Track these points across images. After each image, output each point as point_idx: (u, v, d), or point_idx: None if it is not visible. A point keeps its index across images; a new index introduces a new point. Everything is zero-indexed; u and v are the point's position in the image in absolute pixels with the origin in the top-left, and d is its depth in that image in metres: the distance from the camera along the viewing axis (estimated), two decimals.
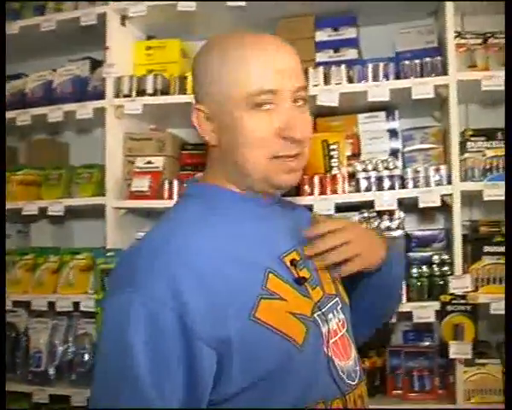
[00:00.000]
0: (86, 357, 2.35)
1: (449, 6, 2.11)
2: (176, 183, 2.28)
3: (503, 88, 2.03)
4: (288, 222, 1.21)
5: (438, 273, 2.12)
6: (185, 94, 2.27)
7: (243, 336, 0.99)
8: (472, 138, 2.13)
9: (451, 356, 2.05)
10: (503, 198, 1.97)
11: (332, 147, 2.24)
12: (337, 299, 1.21)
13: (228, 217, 1.12)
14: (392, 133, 2.30)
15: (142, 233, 2.28)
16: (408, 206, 2.25)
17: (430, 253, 2.18)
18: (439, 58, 2.13)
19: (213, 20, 2.36)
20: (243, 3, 2.23)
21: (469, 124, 2.36)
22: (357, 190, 2.15)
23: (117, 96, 2.33)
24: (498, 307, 2.02)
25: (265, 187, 1.13)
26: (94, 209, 2.44)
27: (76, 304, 2.33)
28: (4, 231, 2.04)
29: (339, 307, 1.21)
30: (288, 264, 1.12)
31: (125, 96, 2.32)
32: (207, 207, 1.12)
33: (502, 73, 2.04)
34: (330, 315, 1.16)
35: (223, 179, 1.15)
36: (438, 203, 2.08)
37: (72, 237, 2.77)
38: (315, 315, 1.11)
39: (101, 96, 2.36)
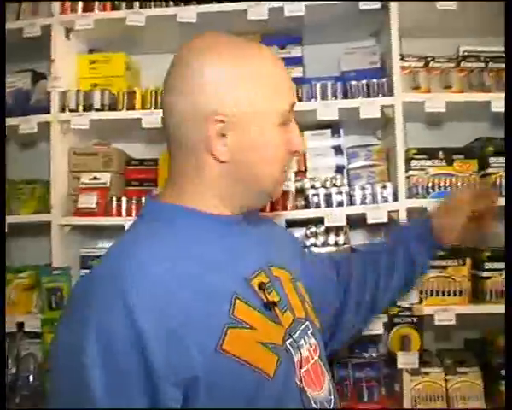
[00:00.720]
0: (31, 379, 2.27)
1: (394, 28, 2.19)
2: (124, 200, 2.25)
3: (444, 110, 2.14)
4: (254, 239, 1.16)
5: None
6: (134, 109, 2.25)
7: (210, 371, 0.93)
8: (415, 157, 2.22)
9: (399, 366, 2.13)
10: None
11: None
12: (307, 323, 1.17)
13: (190, 238, 1.04)
14: (338, 150, 2.36)
15: (87, 250, 2.28)
16: (354, 220, 2.31)
17: None
18: (384, 79, 2.21)
19: (162, 35, 2.35)
20: (194, 20, 2.23)
21: (409, 143, 2.46)
22: (307, 206, 2.19)
23: (63, 110, 2.27)
24: (442, 318, 2.12)
25: (264, 201, 1.16)
26: (32, 226, 2.37)
27: (20, 324, 2.25)
28: (4, 233, 1.96)
29: (309, 332, 1.16)
30: (256, 288, 1.05)
31: (71, 110, 2.26)
32: (168, 227, 1.05)
33: (443, 96, 2.15)
34: (301, 341, 1.11)
35: (195, 197, 1.08)
36: (385, 219, 2.16)
37: (10, 255, 2.67)
38: (286, 343, 1.06)
39: (44, 110, 2.29)
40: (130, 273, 0.93)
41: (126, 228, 1.17)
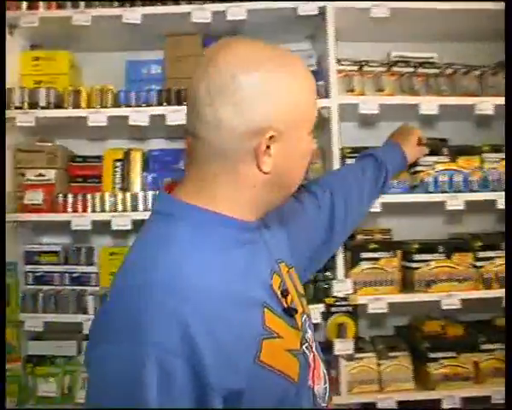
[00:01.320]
0: None
1: (330, 33, 2.31)
2: (70, 196, 2.29)
3: (377, 111, 2.28)
4: (267, 239, 1.19)
5: (322, 278, 2.32)
6: (79, 108, 2.29)
7: (250, 383, 0.96)
8: (349, 155, 2.35)
9: (336, 353, 2.27)
10: (377, 210, 2.22)
11: None
12: (305, 316, 1.20)
13: (228, 247, 1.05)
14: None
15: (31, 246, 2.31)
16: None
17: None
18: (321, 82, 2.33)
19: (107, 34, 2.40)
20: (138, 21, 2.28)
21: (344, 142, 2.60)
22: None
23: (8, 107, 2.29)
24: (375, 307, 2.27)
25: (287, 200, 1.17)
26: None
27: None
28: (4, 232, 1.95)
29: (307, 325, 1.19)
30: (279, 294, 1.08)
31: (17, 107, 2.28)
32: (200, 234, 1.03)
33: (376, 98, 2.30)
34: (308, 339, 1.16)
35: (227, 203, 1.07)
36: None
37: None
38: (303, 347, 1.11)
39: None
40: (181, 289, 0.93)
41: (147, 227, 1.12)
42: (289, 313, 1.07)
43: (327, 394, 1.18)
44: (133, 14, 2.29)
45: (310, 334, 1.18)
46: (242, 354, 0.96)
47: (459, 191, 2.30)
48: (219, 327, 0.93)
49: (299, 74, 1.08)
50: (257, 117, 1.01)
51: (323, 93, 2.32)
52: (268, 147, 1.03)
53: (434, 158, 2.31)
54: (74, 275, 2.42)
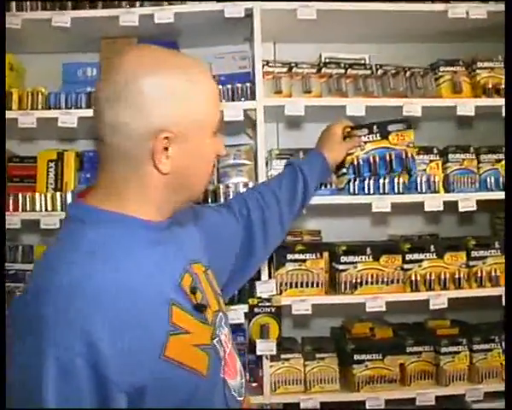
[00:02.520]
0: None
1: (257, 35, 2.33)
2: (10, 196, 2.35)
3: (303, 113, 2.29)
4: (179, 239, 1.22)
5: None
6: (11, 110, 2.34)
7: (155, 378, 1.00)
8: (278, 157, 2.37)
9: (258, 353, 2.28)
10: (303, 212, 2.23)
11: None
12: (220, 314, 1.25)
13: (132, 246, 1.09)
14: None
15: None
16: None
17: None
18: (248, 84, 2.34)
19: (38, 37, 2.45)
20: (68, 24, 2.33)
21: (280, 141, 2.63)
22: None
23: None
24: (298, 308, 2.29)
25: (192, 200, 1.24)
26: None
27: None
28: (4, 230, 2.02)
29: (223, 322, 1.24)
30: (188, 291, 1.12)
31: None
32: (108, 236, 1.08)
33: (302, 100, 2.31)
34: (221, 335, 1.21)
35: (133, 205, 1.11)
36: None
37: None
38: (214, 341, 1.15)
39: None
40: (83, 290, 0.97)
41: (60, 232, 1.17)
42: (199, 309, 1.12)
43: (243, 388, 1.22)
44: (62, 18, 2.33)
45: (226, 331, 1.24)
46: (146, 351, 1.00)
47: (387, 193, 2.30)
48: (121, 326, 0.98)
49: (198, 80, 1.13)
50: (153, 119, 1.06)
51: (249, 95, 2.33)
52: (166, 149, 1.09)
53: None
54: (10, 272, 2.46)
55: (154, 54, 1.12)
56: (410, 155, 2.24)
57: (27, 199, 2.35)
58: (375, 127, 2.20)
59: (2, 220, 2.08)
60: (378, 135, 2.22)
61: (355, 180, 2.27)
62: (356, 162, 2.22)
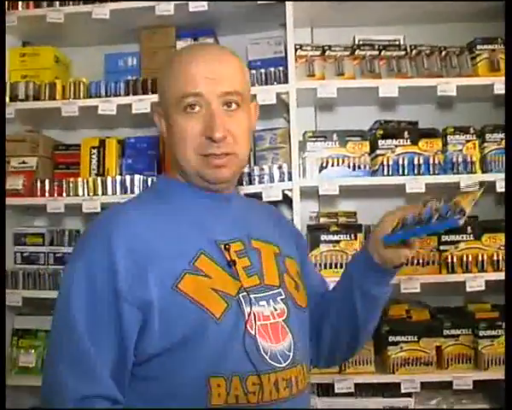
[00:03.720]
0: None
1: (289, 20, 2.36)
2: (47, 181, 2.47)
3: (335, 95, 2.30)
4: (237, 214, 1.32)
5: None
6: (55, 100, 2.46)
7: (164, 302, 1.12)
8: (311, 139, 2.39)
9: None
10: (335, 193, 2.25)
11: None
12: (280, 290, 1.27)
13: (172, 204, 1.27)
14: None
15: (20, 228, 2.50)
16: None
17: None
18: (281, 68, 2.38)
19: (80, 30, 2.55)
20: (107, 16, 2.42)
21: (318, 125, 2.64)
22: None
23: None
24: None
25: (199, 181, 1.25)
26: None
27: None
28: (4, 228, 2.18)
29: (279, 298, 1.26)
30: (222, 248, 1.21)
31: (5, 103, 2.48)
32: (156, 195, 1.31)
33: (334, 82, 2.32)
34: (263, 302, 1.22)
35: (175, 171, 1.30)
36: (279, 198, 2.33)
37: None
38: (240, 295, 1.18)
39: None
40: (115, 219, 1.20)
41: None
42: (229, 264, 1.20)
43: (290, 359, 1.20)
44: (102, 10, 2.43)
45: (282, 307, 1.25)
46: (159, 278, 1.13)
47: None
48: (140, 251, 1.14)
49: (173, 62, 1.28)
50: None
51: (282, 78, 2.36)
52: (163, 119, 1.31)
53: (395, 142, 2.31)
54: (57, 255, 2.58)
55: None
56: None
57: (70, 184, 2.45)
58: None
59: (3, 220, 2.17)
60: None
61: (388, 161, 2.27)
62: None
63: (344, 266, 1.52)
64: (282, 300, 1.26)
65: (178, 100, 1.22)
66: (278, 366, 1.18)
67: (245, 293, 1.19)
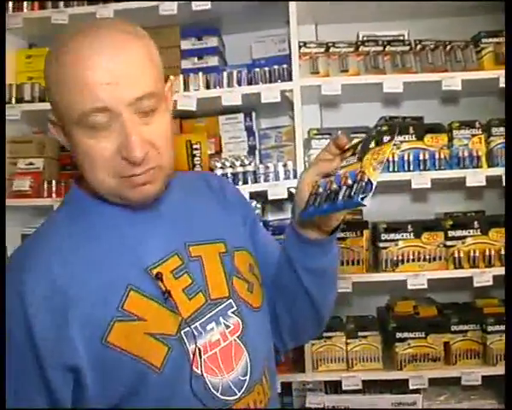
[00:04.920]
0: None
1: (292, 18, 2.35)
2: (54, 182, 2.48)
3: (339, 92, 2.30)
4: (166, 222, 1.11)
5: None
6: None
7: (95, 362, 0.97)
8: (316, 137, 2.39)
9: None
10: None
11: (195, 146, 2.47)
12: (230, 302, 1.12)
13: (89, 229, 1.05)
14: (250, 132, 2.54)
15: (28, 229, 2.52)
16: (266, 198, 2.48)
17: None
18: (285, 65, 2.37)
19: None
20: (111, 16, 2.43)
21: (323, 122, 2.64)
22: None
23: None
24: (340, 286, 2.27)
25: (120, 201, 1.04)
26: None
27: None
28: (4, 230, 2.19)
29: (230, 311, 1.11)
30: (154, 277, 1.03)
31: (6, 102, 2.50)
32: (71, 215, 1.07)
33: (338, 79, 2.32)
34: (211, 325, 1.08)
35: (87, 183, 1.05)
36: (285, 196, 2.33)
37: None
38: (182, 332, 1.03)
39: None
40: (26, 266, 0.99)
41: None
42: (164, 296, 1.02)
43: (241, 387, 1.08)
44: (106, 11, 2.44)
45: (234, 321, 1.11)
46: (84, 333, 0.96)
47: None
48: (58, 307, 0.96)
49: (61, 67, 0.97)
50: None
51: (286, 76, 2.36)
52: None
53: (400, 137, 2.30)
54: None
55: (58, 39, 1.01)
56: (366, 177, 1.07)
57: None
58: (359, 146, 1.09)
59: (3, 220, 2.18)
60: (356, 157, 1.09)
61: (393, 157, 2.26)
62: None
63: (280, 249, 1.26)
64: (233, 312, 1.11)
65: (79, 118, 0.95)
66: (232, 399, 1.06)
67: (187, 328, 1.03)
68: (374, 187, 0.97)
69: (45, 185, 2.50)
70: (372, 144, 1.07)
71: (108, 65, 0.94)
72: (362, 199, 0.97)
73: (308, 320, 1.27)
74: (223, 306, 1.10)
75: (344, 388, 2.32)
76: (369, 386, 2.36)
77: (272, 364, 1.21)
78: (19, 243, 2.44)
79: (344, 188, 1.02)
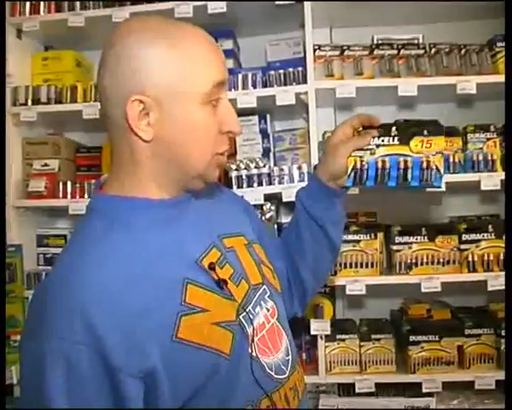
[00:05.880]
0: None
1: (307, 21, 2.36)
2: (69, 183, 2.50)
3: (354, 95, 2.31)
4: (202, 216, 1.15)
5: None
6: (76, 102, 2.49)
7: (168, 361, 0.96)
8: None
9: (312, 332, 2.32)
10: (355, 192, 2.24)
11: None
12: (264, 287, 1.18)
13: (131, 229, 1.05)
14: (265, 135, 2.55)
15: (43, 230, 2.54)
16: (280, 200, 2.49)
17: None
18: (300, 68, 2.38)
19: (100, 33, 2.57)
20: (127, 17, 2.44)
21: (337, 125, 2.64)
22: (230, 186, 2.40)
23: (14, 104, 2.53)
24: (353, 288, 2.30)
25: (197, 184, 1.09)
26: None
27: None
28: (5, 229, 2.22)
29: (267, 296, 1.18)
30: (207, 268, 1.06)
31: (22, 104, 2.52)
32: (109, 222, 1.05)
33: (353, 82, 2.32)
34: (257, 308, 1.13)
35: (134, 184, 1.07)
36: None
37: None
38: (240, 317, 1.07)
39: None
40: (80, 280, 0.96)
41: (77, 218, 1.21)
42: (220, 285, 1.05)
43: (287, 365, 1.15)
44: (122, 13, 2.46)
45: (271, 304, 1.18)
46: (153, 335, 0.96)
47: None
48: (121, 312, 0.95)
49: (181, 44, 1.03)
50: (128, 83, 1.01)
51: (301, 79, 2.37)
52: (147, 114, 1.03)
53: None
54: None
55: (140, 21, 1.07)
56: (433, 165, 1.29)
57: (92, 186, 2.47)
58: (393, 128, 1.30)
59: (2, 221, 2.20)
60: (396, 139, 1.31)
61: None
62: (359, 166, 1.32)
63: (296, 209, 1.41)
64: (268, 296, 1.18)
65: (205, 93, 1.03)
66: (283, 377, 1.13)
67: (244, 312, 1.08)
68: (443, 174, 1.27)
69: (60, 186, 2.51)
70: (413, 130, 1.29)
71: (216, 45, 1.10)
72: (439, 184, 1.28)
73: (327, 269, 1.50)
74: (261, 291, 1.17)
75: (357, 390, 2.32)
76: (383, 389, 2.36)
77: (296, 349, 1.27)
78: (34, 244, 2.51)
79: (410, 170, 1.29)
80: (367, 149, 1.31)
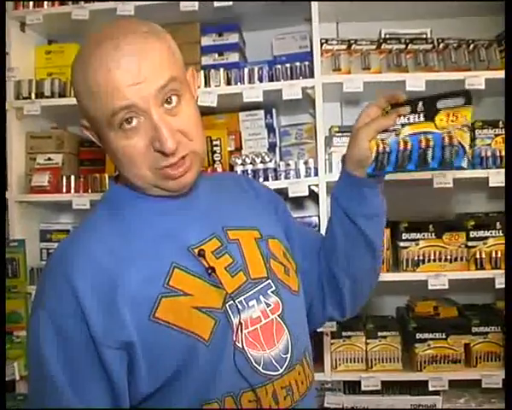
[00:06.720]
0: None
1: (314, 14, 2.34)
2: (72, 178, 2.48)
3: (361, 89, 2.28)
4: (212, 208, 1.17)
5: None
6: None
7: (145, 338, 1.00)
8: (337, 134, 2.37)
9: (318, 330, 2.29)
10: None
11: (215, 143, 2.47)
12: (269, 282, 1.15)
13: (131, 218, 1.10)
14: (271, 129, 2.53)
15: (46, 224, 2.52)
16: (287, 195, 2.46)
17: None
18: (306, 62, 2.36)
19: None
20: (132, 12, 2.42)
21: (344, 120, 2.62)
22: None
23: (17, 98, 2.51)
24: None
25: (161, 192, 1.09)
26: None
27: None
28: (4, 227, 2.20)
29: (270, 291, 1.15)
30: (196, 254, 1.08)
31: (25, 98, 2.50)
32: (111, 210, 1.12)
33: (360, 76, 2.30)
34: (253, 302, 1.11)
35: (125, 179, 1.12)
36: (306, 193, 2.32)
37: None
38: (226, 305, 1.07)
39: None
40: (71, 257, 1.03)
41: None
42: (208, 272, 1.07)
43: (286, 363, 1.11)
44: (126, 7, 2.43)
45: (274, 300, 1.14)
46: (133, 310, 1.00)
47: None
48: (106, 287, 1.00)
49: (89, 70, 1.02)
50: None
51: (308, 73, 2.35)
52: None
53: None
54: None
55: (85, 44, 1.06)
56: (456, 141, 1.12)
57: (95, 180, 2.46)
58: (420, 104, 1.16)
59: (2, 221, 2.18)
60: (422, 115, 1.16)
61: None
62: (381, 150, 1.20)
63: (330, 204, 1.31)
64: (273, 292, 1.15)
65: (108, 118, 1.01)
66: (274, 374, 1.09)
67: (231, 302, 1.07)
68: (467, 150, 1.08)
69: (64, 181, 2.49)
70: (439, 105, 1.12)
71: (131, 64, 0.99)
72: (460, 163, 1.09)
73: (366, 270, 1.32)
74: (262, 285, 1.14)
75: (363, 388, 2.30)
76: (388, 387, 2.34)
77: (310, 354, 1.23)
78: (37, 239, 2.49)
79: (430, 150, 1.11)
80: (393, 130, 1.17)
